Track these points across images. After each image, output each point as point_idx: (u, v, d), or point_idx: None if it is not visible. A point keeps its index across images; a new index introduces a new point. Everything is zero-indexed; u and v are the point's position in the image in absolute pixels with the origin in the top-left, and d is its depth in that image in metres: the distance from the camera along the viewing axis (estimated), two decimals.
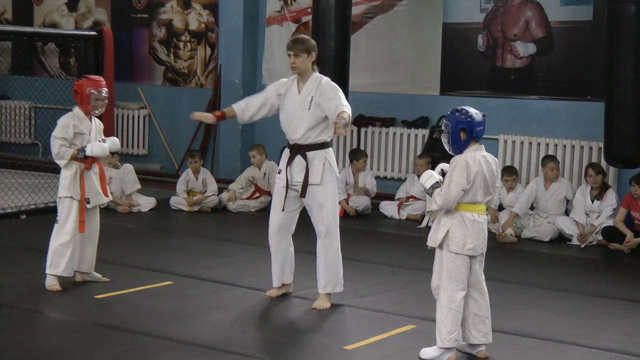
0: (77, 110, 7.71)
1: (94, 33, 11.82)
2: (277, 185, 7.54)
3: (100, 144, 7.66)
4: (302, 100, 7.37)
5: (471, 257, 6.09)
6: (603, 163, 10.80)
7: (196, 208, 11.89)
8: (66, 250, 7.59)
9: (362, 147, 12.74)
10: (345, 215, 11.60)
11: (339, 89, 7.36)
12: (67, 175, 7.64)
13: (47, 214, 10.94)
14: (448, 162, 6.17)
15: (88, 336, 6.47)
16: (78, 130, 7.63)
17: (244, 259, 9.12)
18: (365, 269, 8.38)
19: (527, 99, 11.71)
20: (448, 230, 6.06)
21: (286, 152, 7.48)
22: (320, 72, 7.53)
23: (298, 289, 7.85)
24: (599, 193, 10.51)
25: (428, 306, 7.42)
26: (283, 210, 7.46)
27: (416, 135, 12.45)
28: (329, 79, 7.43)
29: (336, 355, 6.24)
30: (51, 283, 7.58)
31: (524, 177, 11.54)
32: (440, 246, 6.10)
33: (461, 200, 6.01)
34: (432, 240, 6.16)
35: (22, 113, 15.58)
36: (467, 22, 12.07)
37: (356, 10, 12.48)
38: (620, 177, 11.07)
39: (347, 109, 7.11)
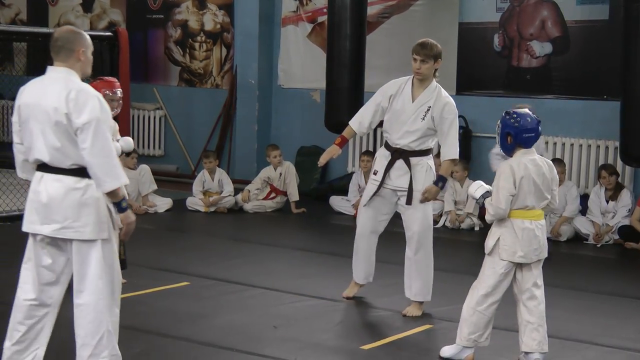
0: None
1: (109, 34, 11.85)
2: (371, 186, 7.40)
3: (127, 139, 7.64)
4: (417, 109, 7.15)
5: (523, 265, 6.02)
6: (619, 162, 10.77)
7: (212, 209, 11.91)
8: None
9: (377, 148, 12.73)
10: None
11: (456, 112, 7.15)
12: None
13: None
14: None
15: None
16: None
17: (260, 259, 9.13)
18: (382, 268, 8.36)
19: (543, 98, 11.68)
20: (499, 238, 5.97)
21: (385, 155, 7.35)
22: (337, 72, 7.43)
23: (313, 288, 7.86)
24: (613, 193, 10.49)
25: (445, 306, 7.44)
26: (366, 205, 7.40)
27: None
28: (447, 95, 7.19)
29: (353, 355, 6.25)
30: None
31: None
32: (491, 253, 6.02)
33: (511, 207, 5.91)
34: (486, 247, 6.09)
35: None
36: (483, 22, 12.06)
37: (372, 10, 12.47)
38: (637, 176, 11.04)
39: (455, 153, 7.07)
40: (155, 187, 11.88)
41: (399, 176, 7.21)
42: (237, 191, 12.15)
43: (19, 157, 5.26)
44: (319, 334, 6.69)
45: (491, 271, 6.01)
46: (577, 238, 10.52)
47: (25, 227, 5.24)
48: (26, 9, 16.25)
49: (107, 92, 7.61)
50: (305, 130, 13.41)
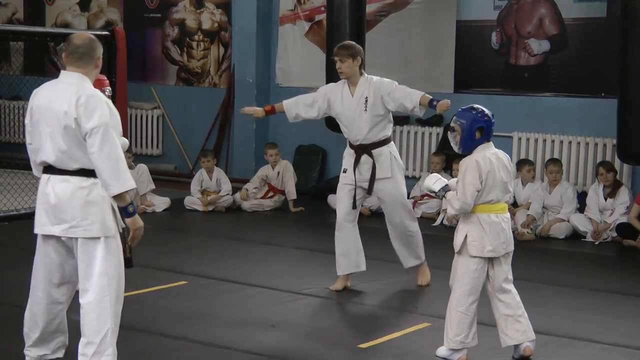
0: None
1: (106, 33, 11.81)
2: (343, 185, 7.85)
3: None
4: (357, 103, 7.69)
5: (494, 259, 6.04)
6: (616, 160, 10.77)
7: (210, 208, 11.91)
8: None
9: None
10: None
11: (392, 81, 7.75)
12: None
13: None
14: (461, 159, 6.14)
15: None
16: None
17: (258, 258, 9.13)
18: (380, 267, 8.38)
19: (541, 96, 11.68)
20: (466, 235, 6.00)
21: (350, 153, 7.82)
22: (336, 71, 7.82)
23: (311, 287, 7.87)
24: (611, 191, 10.49)
25: (443, 304, 7.42)
26: (355, 208, 7.85)
27: (430, 134, 12.44)
28: (378, 78, 7.76)
29: (351, 354, 6.25)
30: None
31: (538, 175, 11.52)
32: (460, 251, 6.04)
33: (476, 202, 5.95)
34: (455, 245, 6.11)
35: None
36: (480, 20, 12.06)
37: (370, 8, 12.46)
38: (635, 174, 11.04)
39: (418, 93, 7.60)
40: (153, 186, 11.88)
41: (367, 169, 7.73)
42: (235, 190, 12.15)
43: (32, 157, 5.40)
44: (317, 333, 6.69)
45: (464, 269, 6.02)
46: (575, 236, 10.51)
47: (37, 229, 5.35)
48: (23, 8, 16.23)
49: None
50: (303, 129, 13.36)
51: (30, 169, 5.52)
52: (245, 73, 13.68)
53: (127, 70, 11.96)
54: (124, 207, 5.17)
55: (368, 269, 8.01)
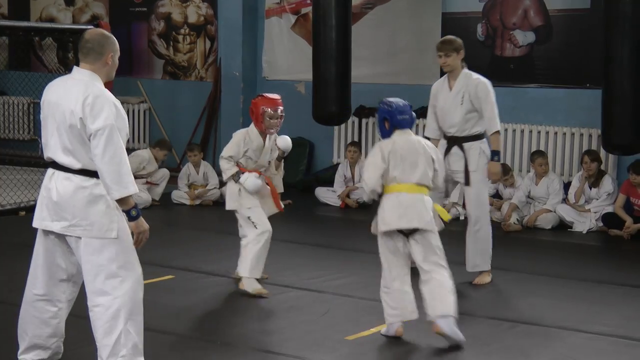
0: (252, 127, 7.64)
1: (91, 27, 11.80)
2: None
3: (254, 179, 7.51)
4: (454, 96, 7.92)
5: (409, 238, 6.27)
6: (602, 151, 10.80)
7: (198, 202, 11.91)
8: (263, 254, 7.53)
9: (363, 138, 12.76)
10: (346, 207, 11.67)
11: (489, 90, 7.88)
12: (233, 191, 7.65)
13: None
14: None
15: (87, 331, 6.48)
16: (249, 147, 7.60)
17: None
18: (366, 259, 8.38)
19: (527, 87, 11.72)
20: (376, 215, 6.34)
21: (443, 144, 8.08)
22: (323, 64, 7.88)
23: (298, 279, 7.88)
24: (595, 180, 10.54)
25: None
26: (447, 196, 8.36)
27: (417, 125, 12.44)
28: (478, 76, 7.95)
29: (338, 346, 6.26)
30: (257, 286, 7.38)
31: (524, 166, 11.56)
32: (375, 232, 6.38)
33: (385, 182, 6.27)
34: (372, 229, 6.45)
35: (20, 109, 15.56)
36: (466, 12, 12.07)
37: (356, 1, 12.47)
38: (619, 164, 11.07)
39: (495, 125, 7.79)
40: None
41: (455, 161, 7.96)
42: (222, 184, 12.13)
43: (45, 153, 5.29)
44: (304, 325, 6.70)
45: (382, 249, 6.36)
46: (562, 226, 10.55)
47: (36, 223, 5.28)
48: (7, 3, 16.18)
49: (268, 109, 7.60)
50: (290, 122, 13.34)
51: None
52: (231, 66, 13.67)
53: None
54: (127, 210, 5.06)
55: (355, 261, 8.02)
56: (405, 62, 12.52)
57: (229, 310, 7.04)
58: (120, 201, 5.03)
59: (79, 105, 4.96)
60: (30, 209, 10.68)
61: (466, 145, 7.91)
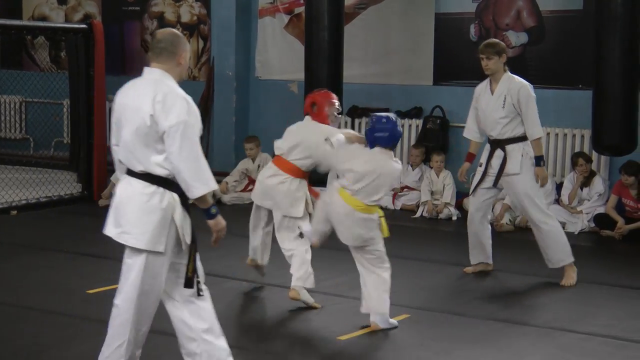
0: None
1: (84, 26, 11.79)
2: (476, 179, 8.23)
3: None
4: (496, 100, 7.99)
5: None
6: (592, 151, 10.83)
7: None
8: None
9: None
10: None
11: (529, 94, 8.00)
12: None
13: (38, 210, 10.95)
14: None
15: (79, 331, 6.49)
16: None
17: (238, 251, 9.10)
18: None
19: None
20: None
21: (487, 147, 8.18)
22: (316, 63, 7.86)
23: (290, 280, 7.88)
24: (586, 180, 10.58)
25: (421, 296, 7.48)
26: (473, 195, 8.25)
27: (410, 126, 12.44)
28: (520, 80, 8.08)
29: (330, 346, 6.27)
30: (308, 298, 7.15)
31: None
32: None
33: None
34: None
35: (12, 108, 15.49)
36: (459, 12, 12.08)
37: (348, 1, 12.47)
38: (611, 165, 11.09)
39: (537, 132, 7.90)
40: None
41: (498, 164, 8.04)
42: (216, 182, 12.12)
43: (115, 157, 5.16)
44: (296, 325, 6.72)
45: None
46: None
47: (105, 228, 5.15)
48: None
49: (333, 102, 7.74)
50: (283, 121, 13.29)
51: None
52: (224, 66, 13.66)
53: (106, 63, 11.95)
54: (207, 209, 4.96)
55: (346, 261, 8.01)
56: (398, 63, 12.52)
57: (222, 309, 7.00)
58: (199, 199, 4.91)
59: (149, 102, 4.82)
60: (22, 208, 10.80)
61: (508, 147, 7.99)
